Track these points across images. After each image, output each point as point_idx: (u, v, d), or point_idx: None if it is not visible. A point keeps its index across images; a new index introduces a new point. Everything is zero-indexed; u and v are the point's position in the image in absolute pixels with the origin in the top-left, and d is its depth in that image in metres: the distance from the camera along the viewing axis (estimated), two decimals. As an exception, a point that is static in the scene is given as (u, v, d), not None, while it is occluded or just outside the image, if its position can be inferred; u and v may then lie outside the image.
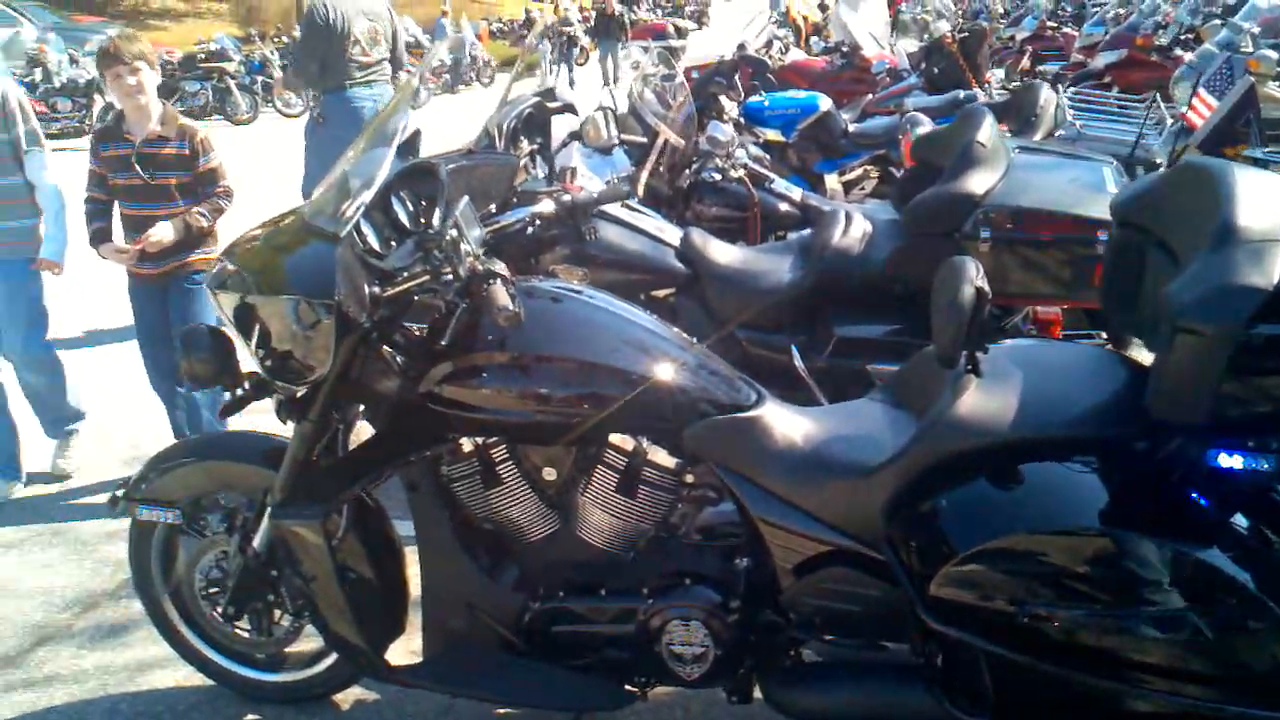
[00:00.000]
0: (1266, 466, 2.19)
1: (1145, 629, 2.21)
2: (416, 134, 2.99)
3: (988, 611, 2.27)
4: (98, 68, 4.78)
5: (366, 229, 2.66)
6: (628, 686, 2.74)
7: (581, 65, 24.90)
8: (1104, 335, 4.08)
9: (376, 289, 2.52)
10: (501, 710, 3.08)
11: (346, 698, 3.20)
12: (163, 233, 4.22)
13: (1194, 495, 2.25)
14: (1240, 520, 2.24)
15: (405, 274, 2.57)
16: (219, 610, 3.01)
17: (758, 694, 2.70)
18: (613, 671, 2.73)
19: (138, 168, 4.28)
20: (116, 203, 4.41)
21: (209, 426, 4.49)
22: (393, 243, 2.75)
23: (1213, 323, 2.04)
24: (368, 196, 2.53)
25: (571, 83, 19.36)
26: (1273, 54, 6.23)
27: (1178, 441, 2.24)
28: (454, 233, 2.44)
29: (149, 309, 4.51)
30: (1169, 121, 5.90)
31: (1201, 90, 5.43)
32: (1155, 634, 2.21)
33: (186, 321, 4.31)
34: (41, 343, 4.67)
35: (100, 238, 4.40)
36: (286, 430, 2.77)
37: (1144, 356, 2.44)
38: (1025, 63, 11.48)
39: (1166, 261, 2.35)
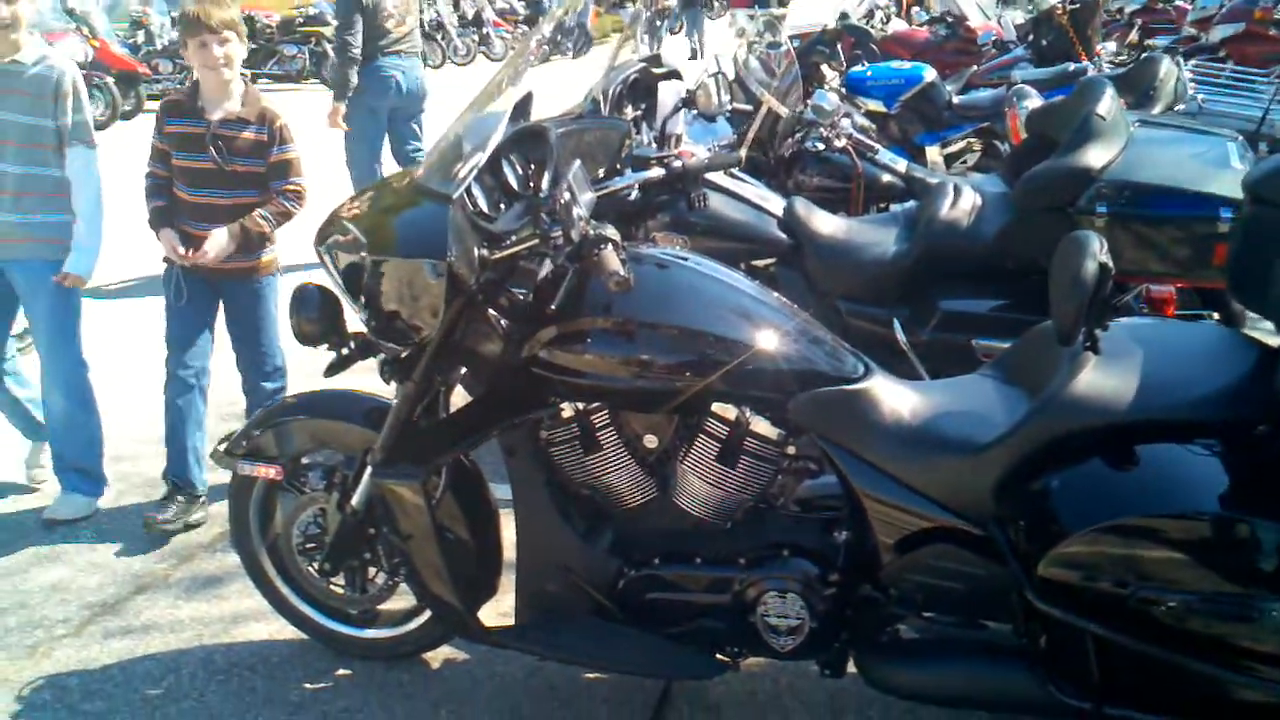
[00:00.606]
0: (1398, 454, 2.11)
1: (1260, 616, 2.16)
2: (528, 97, 2.97)
3: (1097, 594, 2.22)
4: (180, 33, 4.31)
5: (476, 191, 2.65)
6: (720, 656, 2.71)
7: (676, 33, 24.65)
8: (1217, 315, 3.95)
9: (485, 251, 2.51)
10: (591, 675, 3.07)
11: (436, 656, 3.21)
12: (217, 244, 3.77)
13: None
14: None
15: (514, 237, 2.55)
16: (315, 566, 3.04)
17: (851, 668, 2.67)
18: (705, 641, 2.71)
19: (211, 150, 3.82)
20: (176, 185, 3.91)
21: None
22: (501, 205, 2.73)
23: None
24: (481, 159, 2.52)
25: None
26: (1406, 30, 5.98)
27: None
28: (566, 196, 2.42)
29: (191, 301, 3.97)
30: (1296, 97, 5.69)
31: (1333, 65, 5.22)
32: (1271, 622, 2.15)
33: (246, 330, 4.09)
34: (74, 357, 4.07)
35: (161, 219, 3.89)
36: (388, 390, 2.78)
37: (1263, 337, 2.36)
38: (1134, 36, 11.17)
39: None
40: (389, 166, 7.33)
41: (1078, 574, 2.22)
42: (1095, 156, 3.53)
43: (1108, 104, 3.65)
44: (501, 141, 2.64)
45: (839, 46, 7.63)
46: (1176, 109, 5.26)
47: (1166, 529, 2.17)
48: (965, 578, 2.47)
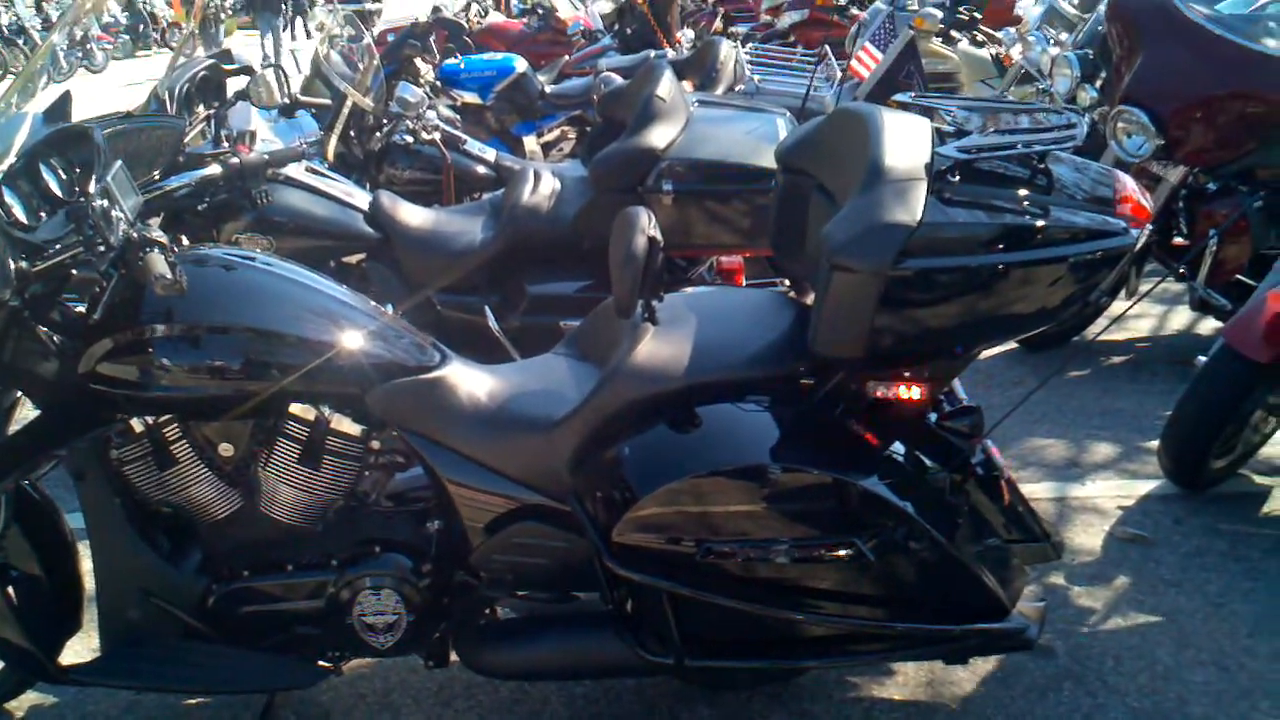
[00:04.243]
0: (918, 395, 2.33)
1: (816, 558, 2.33)
2: (66, 96, 2.78)
3: (667, 554, 2.33)
4: None
5: (11, 199, 2.46)
6: (321, 662, 2.65)
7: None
8: (787, 282, 4.23)
9: (25, 264, 2.33)
10: (191, 700, 2.94)
11: (21, 705, 2.97)
12: None
13: (856, 427, 2.36)
14: (898, 447, 2.38)
15: (57, 246, 2.39)
16: None
17: (455, 657, 2.67)
18: (304, 648, 2.65)
19: None
20: None
21: None
22: (43, 214, 2.55)
23: (864, 259, 2.13)
24: (5, 164, 2.34)
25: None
26: (936, 12, 6.62)
27: (839, 376, 2.35)
28: (104, 201, 2.28)
29: None
30: (839, 75, 6.18)
31: (868, 44, 5.71)
32: (825, 562, 2.34)
33: None
34: None
35: None
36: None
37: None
38: (718, 24, 11.75)
39: (826, 203, 2.45)
40: None
41: (650, 536, 2.33)
42: (658, 136, 3.69)
43: (667, 85, 3.82)
44: (37, 144, 2.48)
45: (431, 40, 7.60)
46: (737, 89, 5.60)
47: (724, 485, 2.30)
48: (552, 553, 2.52)
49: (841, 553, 2.31)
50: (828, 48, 6.28)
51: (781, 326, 2.49)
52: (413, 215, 4.01)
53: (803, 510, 2.31)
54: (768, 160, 3.59)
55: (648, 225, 2.34)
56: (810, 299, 2.61)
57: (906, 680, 2.93)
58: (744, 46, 6.65)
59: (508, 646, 2.60)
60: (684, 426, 2.37)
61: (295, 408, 2.53)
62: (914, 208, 2.14)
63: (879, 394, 2.34)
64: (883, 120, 2.33)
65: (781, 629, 2.44)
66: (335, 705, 2.91)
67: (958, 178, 2.29)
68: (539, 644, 2.59)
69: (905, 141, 2.27)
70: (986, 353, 2.49)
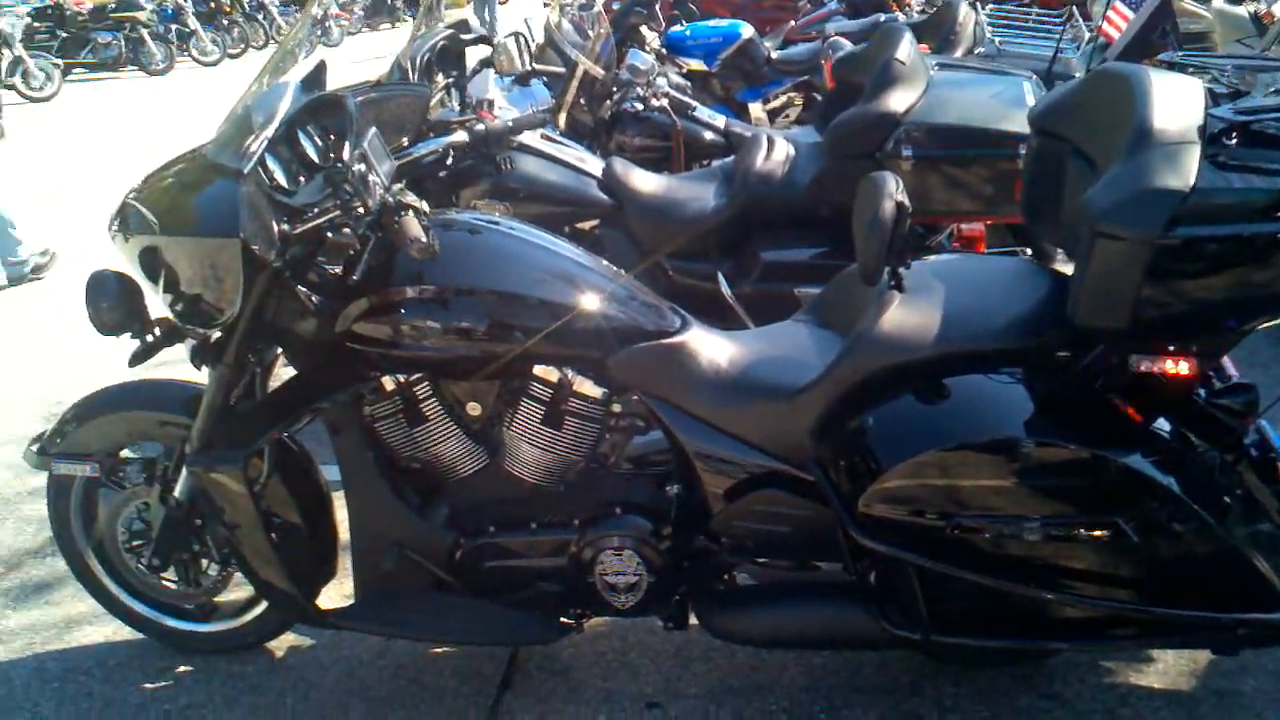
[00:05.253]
0: (1186, 370, 2.21)
1: (1072, 536, 2.24)
2: (321, 65, 2.89)
3: (916, 526, 2.28)
4: None
5: (273, 165, 2.58)
6: (563, 619, 2.72)
7: (503, 4, 24.24)
8: (1028, 250, 4.09)
9: (286, 226, 2.44)
10: (438, 649, 3.05)
11: (280, 645, 3.15)
12: None
13: (1117, 401, 2.26)
14: (1163, 424, 2.26)
15: (315, 210, 2.49)
16: (144, 562, 2.94)
17: (694, 620, 2.70)
18: (547, 605, 2.71)
19: None
20: None
21: None
22: (301, 179, 2.67)
23: (1132, 227, 2.03)
24: (270, 131, 2.45)
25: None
26: (1191, -32, 6.28)
27: (1100, 348, 2.25)
28: (361, 166, 2.37)
29: None
30: (1086, 35, 5.92)
31: (1117, 3, 5.45)
32: (1082, 541, 2.24)
33: None
34: None
35: None
36: (202, 376, 2.70)
37: (1067, 270, 2.44)
38: (947, -13, 11.48)
39: (1085, 169, 2.34)
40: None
41: (896, 508, 2.29)
42: (897, 101, 3.61)
43: (906, 49, 3.74)
44: (296, 112, 2.58)
45: (656, 7, 7.62)
46: (976, 52, 5.43)
47: (976, 458, 2.23)
48: (793, 521, 2.51)
49: (1099, 532, 2.21)
50: (1074, 7, 6.02)
51: (1034, 296, 2.40)
52: (645, 181, 4.05)
53: (1058, 487, 2.23)
54: (1014, 125, 3.48)
55: (895, 190, 2.29)
56: (1060, 268, 2.52)
57: (1167, 669, 2.80)
58: (983, 8, 6.44)
59: (748, 613, 2.61)
60: (932, 398, 2.31)
61: (539, 369, 2.58)
62: (1186, 173, 2.02)
63: (1142, 368, 2.22)
64: (1150, 81, 2.21)
65: (1033, 608, 2.36)
66: (576, 661, 2.98)
67: (1235, 141, 2.16)
68: (780, 612, 2.58)
69: (1176, 103, 2.15)
70: (1250, 329, 2.34)
